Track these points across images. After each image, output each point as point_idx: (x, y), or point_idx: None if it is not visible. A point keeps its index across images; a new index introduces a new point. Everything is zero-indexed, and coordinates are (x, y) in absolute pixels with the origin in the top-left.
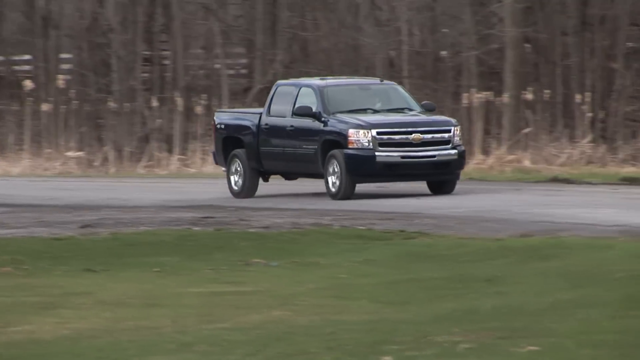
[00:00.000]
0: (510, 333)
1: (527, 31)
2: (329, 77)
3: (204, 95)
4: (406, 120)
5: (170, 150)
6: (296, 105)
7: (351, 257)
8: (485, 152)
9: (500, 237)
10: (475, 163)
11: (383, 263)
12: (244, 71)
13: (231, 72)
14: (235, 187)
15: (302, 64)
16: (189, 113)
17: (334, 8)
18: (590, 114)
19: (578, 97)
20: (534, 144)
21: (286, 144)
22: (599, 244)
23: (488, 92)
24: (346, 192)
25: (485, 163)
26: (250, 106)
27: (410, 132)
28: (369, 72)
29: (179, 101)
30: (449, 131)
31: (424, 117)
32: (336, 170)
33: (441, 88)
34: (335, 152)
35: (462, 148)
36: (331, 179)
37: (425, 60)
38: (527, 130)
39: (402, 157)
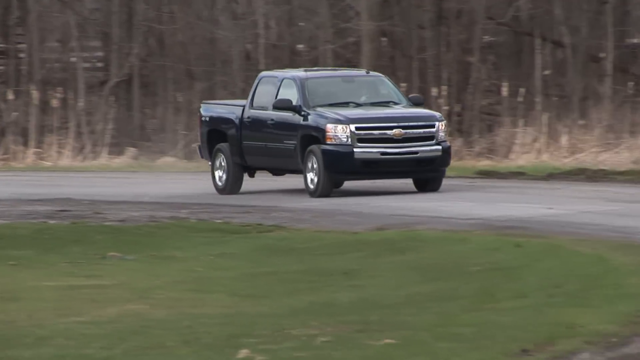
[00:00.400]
0: (366, 326)
1: (383, 25)
2: (313, 68)
3: (60, 89)
4: (387, 115)
5: (26, 144)
6: (276, 98)
7: (208, 250)
8: None
9: (356, 231)
10: None
11: (240, 256)
12: (100, 64)
13: (87, 65)
14: (220, 183)
15: (158, 57)
16: (45, 106)
17: (190, 1)
18: (446, 108)
19: (434, 91)
20: None
21: (267, 138)
22: (454, 237)
23: None
24: (324, 190)
25: None
26: (107, 100)
27: (391, 127)
28: (225, 65)
29: (35, 94)
30: (433, 126)
31: (406, 111)
32: (314, 166)
33: None
34: (314, 147)
35: (448, 144)
36: (310, 176)
37: (282, 53)
38: None
39: (382, 153)
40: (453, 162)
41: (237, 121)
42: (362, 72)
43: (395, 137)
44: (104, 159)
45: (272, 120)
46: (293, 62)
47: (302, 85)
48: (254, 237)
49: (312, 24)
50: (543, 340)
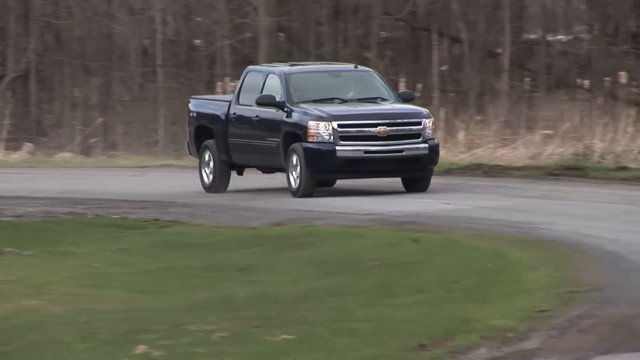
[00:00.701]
0: (264, 321)
1: (280, 20)
2: (300, 63)
3: None
4: (371, 112)
5: None
6: (261, 94)
7: (105, 246)
8: None
9: (254, 226)
10: None
11: (138, 252)
12: None
13: None
14: (207, 181)
15: (55, 52)
16: None
17: None
18: None
19: None
20: None
21: (252, 135)
22: (352, 232)
23: None
24: (306, 190)
25: None
26: (4, 95)
27: (376, 125)
28: (122, 60)
29: None
30: (419, 123)
31: (391, 108)
32: (297, 165)
33: (195, 77)
34: (296, 145)
35: (435, 142)
36: (292, 175)
37: (179, 48)
38: None
39: (366, 151)
40: None
41: (223, 117)
42: (350, 66)
43: (379, 135)
44: (0, 154)
45: (256, 116)
46: (190, 57)
47: (286, 80)
48: (151, 232)
49: (209, 19)
50: (440, 336)
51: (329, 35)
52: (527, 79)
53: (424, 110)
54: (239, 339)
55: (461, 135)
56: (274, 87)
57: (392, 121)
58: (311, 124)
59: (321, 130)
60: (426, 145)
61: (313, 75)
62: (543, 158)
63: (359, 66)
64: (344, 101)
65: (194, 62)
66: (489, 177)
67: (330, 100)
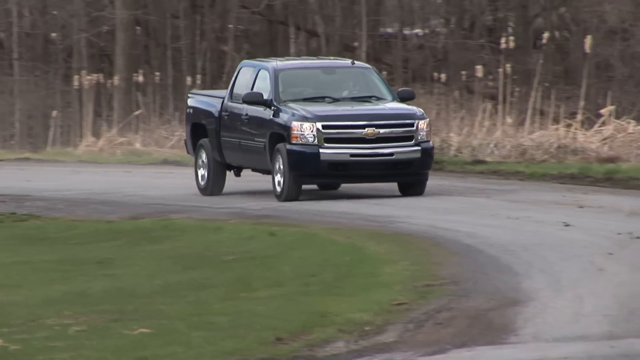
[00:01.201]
0: (121, 315)
1: (137, 14)
2: (295, 57)
3: None
4: (359, 112)
5: None
6: (251, 90)
7: None
8: (96, 134)
9: (110, 220)
10: (86, 145)
11: None
12: None
13: None
14: (202, 182)
15: None
16: None
17: None
18: None
19: (189, 80)
20: (145, 127)
21: (242, 134)
22: (209, 226)
23: (99, 74)
24: (290, 194)
25: (96, 145)
26: None
27: (363, 126)
28: None
29: None
30: (412, 125)
31: (382, 108)
32: (281, 167)
33: (52, 70)
34: (280, 147)
35: (430, 145)
36: (277, 178)
37: (36, 42)
38: (137, 112)
39: (352, 155)
40: None
41: (216, 114)
42: (347, 62)
43: (367, 137)
44: None
45: (246, 114)
46: (46, 50)
47: (274, 76)
48: (7, 226)
49: (65, 12)
50: (298, 329)
51: (186, 28)
52: (384, 73)
53: (418, 111)
54: (96, 333)
55: None
56: (264, 83)
57: (382, 122)
58: (295, 124)
59: (305, 131)
60: (418, 148)
61: (304, 72)
62: None
63: (356, 62)
64: (335, 100)
65: (51, 55)
66: None
67: (320, 99)
